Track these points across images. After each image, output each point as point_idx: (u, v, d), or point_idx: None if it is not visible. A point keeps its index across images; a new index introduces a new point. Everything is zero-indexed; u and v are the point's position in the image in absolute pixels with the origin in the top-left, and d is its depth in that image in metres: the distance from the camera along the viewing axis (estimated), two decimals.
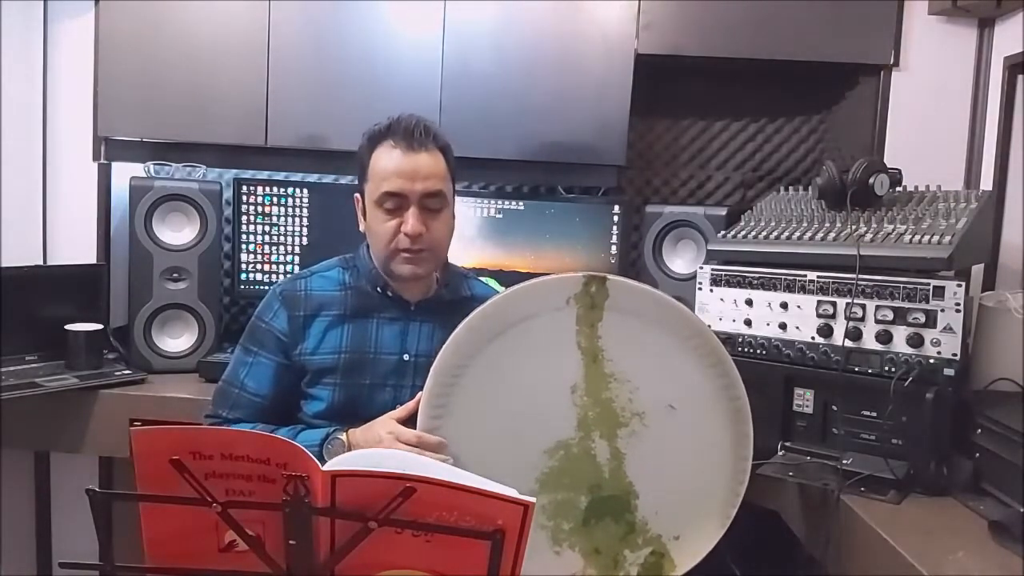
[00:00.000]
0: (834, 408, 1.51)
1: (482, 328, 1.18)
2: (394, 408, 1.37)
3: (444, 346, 1.20)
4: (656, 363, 1.19)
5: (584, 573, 1.24)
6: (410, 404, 1.27)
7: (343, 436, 1.31)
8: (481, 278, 1.66)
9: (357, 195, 1.44)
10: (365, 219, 1.42)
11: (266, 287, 2.10)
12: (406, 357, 1.41)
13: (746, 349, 1.58)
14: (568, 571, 1.23)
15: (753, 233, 1.66)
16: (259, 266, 2.18)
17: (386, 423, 1.28)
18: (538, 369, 1.19)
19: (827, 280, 1.48)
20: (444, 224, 1.40)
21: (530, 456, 1.20)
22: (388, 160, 1.35)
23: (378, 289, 1.43)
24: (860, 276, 1.43)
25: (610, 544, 1.23)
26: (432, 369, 1.21)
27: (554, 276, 1.17)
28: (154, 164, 2.11)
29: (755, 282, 1.57)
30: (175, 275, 2.00)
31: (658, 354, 1.18)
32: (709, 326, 1.23)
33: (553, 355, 1.18)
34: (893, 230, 1.49)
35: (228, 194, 2.23)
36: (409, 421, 1.26)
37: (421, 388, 1.37)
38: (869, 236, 1.49)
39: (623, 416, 1.20)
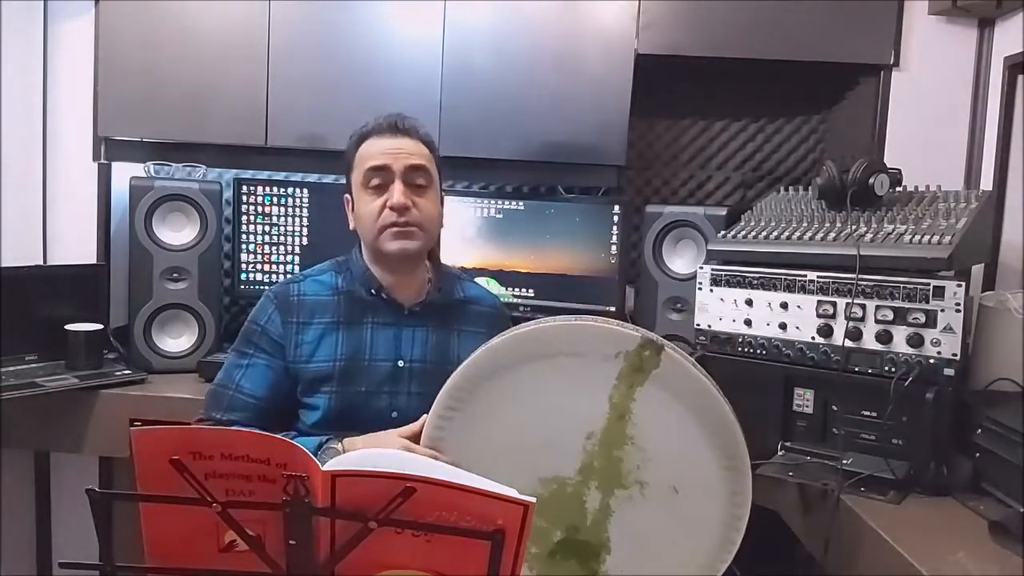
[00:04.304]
0: (834, 408, 1.51)
1: (525, 345, 1.17)
2: (390, 415, 1.38)
3: (481, 348, 1.19)
4: (677, 446, 1.17)
5: None
6: (415, 426, 1.26)
7: (338, 445, 1.28)
8: (477, 279, 1.65)
9: (346, 195, 1.45)
10: (355, 212, 1.42)
11: (266, 287, 2.10)
12: (400, 364, 1.40)
13: (746, 349, 1.58)
14: None
15: (753, 233, 1.66)
16: (259, 266, 2.18)
17: (395, 440, 1.25)
18: (563, 405, 1.18)
19: (827, 280, 1.48)
20: (431, 203, 1.40)
21: (525, 477, 1.18)
22: (373, 145, 1.39)
23: (371, 292, 1.42)
24: (860, 276, 1.43)
25: None
26: (463, 364, 1.19)
27: (614, 326, 1.15)
28: (154, 164, 2.11)
29: (755, 282, 1.57)
30: (175, 275, 2.01)
31: (682, 439, 1.16)
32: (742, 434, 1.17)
33: (583, 397, 1.17)
34: (893, 230, 1.49)
35: (228, 194, 2.23)
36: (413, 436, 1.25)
37: (417, 394, 1.38)
38: (869, 236, 1.49)
39: (626, 479, 1.19)
